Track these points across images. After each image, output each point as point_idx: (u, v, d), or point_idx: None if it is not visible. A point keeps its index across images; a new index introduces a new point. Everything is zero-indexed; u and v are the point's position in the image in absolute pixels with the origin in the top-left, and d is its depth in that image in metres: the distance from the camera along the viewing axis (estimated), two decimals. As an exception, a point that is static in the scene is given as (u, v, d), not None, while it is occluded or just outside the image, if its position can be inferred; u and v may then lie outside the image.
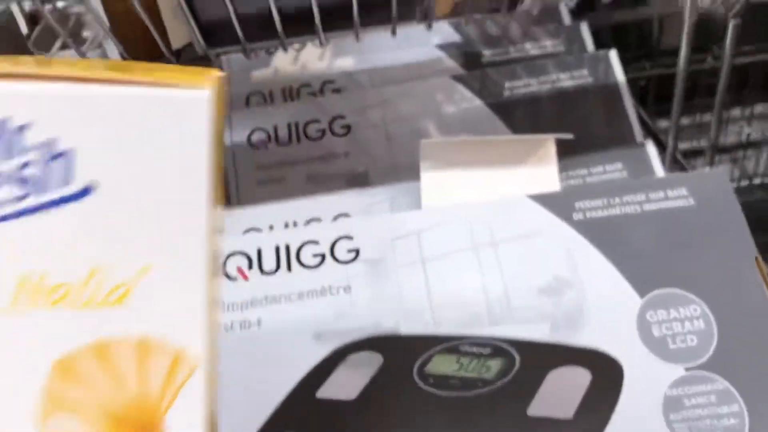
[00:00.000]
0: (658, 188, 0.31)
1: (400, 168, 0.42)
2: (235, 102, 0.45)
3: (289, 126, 0.43)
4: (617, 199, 0.31)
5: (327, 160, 0.42)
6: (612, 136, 0.43)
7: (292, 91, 0.46)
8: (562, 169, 0.36)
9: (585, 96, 0.43)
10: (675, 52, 0.70)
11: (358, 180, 0.42)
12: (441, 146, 0.33)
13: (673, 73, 0.71)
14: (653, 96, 0.71)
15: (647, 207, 0.31)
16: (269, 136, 0.42)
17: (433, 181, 0.34)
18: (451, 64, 0.46)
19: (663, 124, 0.73)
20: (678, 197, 0.31)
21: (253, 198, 0.41)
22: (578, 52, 0.47)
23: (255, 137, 0.42)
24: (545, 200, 0.31)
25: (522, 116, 0.43)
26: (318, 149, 0.42)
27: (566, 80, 0.44)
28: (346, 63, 0.46)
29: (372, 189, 0.37)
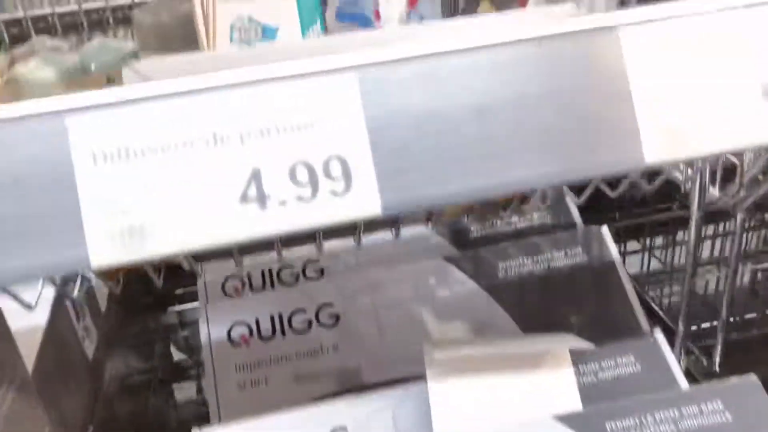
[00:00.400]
0: (691, 402, 0.29)
1: (394, 361, 0.38)
2: (210, 290, 0.42)
3: (272, 318, 0.39)
4: (650, 418, 0.29)
5: (315, 356, 0.39)
6: (613, 317, 0.41)
7: (272, 274, 0.43)
8: (573, 363, 0.33)
9: (582, 276, 0.42)
10: (643, 203, 0.72)
11: (351, 377, 0.38)
12: (449, 359, 0.30)
13: (642, 223, 0.72)
14: (623, 244, 0.72)
15: (683, 425, 0.28)
16: (251, 331, 0.39)
17: (443, 396, 0.30)
18: (439, 240, 0.44)
19: (633, 269, 0.73)
20: (713, 412, 0.29)
21: (234, 405, 0.37)
22: (565, 223, 0.46)
23: (235, 333, 0.39)
24: (573, 422, 0.28)
25: (518, 298, 0.41)
26: (305, 343, 0.39)
27: (561, 259, 0.42)
28: (329, 242, 0.44)
29: (370, 395, 0.34)
